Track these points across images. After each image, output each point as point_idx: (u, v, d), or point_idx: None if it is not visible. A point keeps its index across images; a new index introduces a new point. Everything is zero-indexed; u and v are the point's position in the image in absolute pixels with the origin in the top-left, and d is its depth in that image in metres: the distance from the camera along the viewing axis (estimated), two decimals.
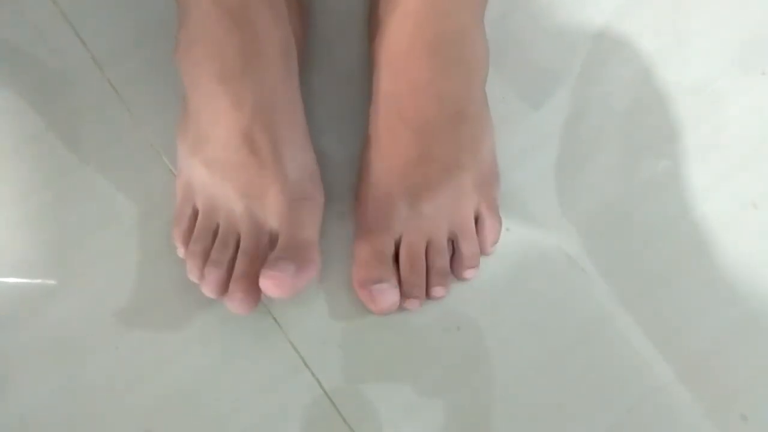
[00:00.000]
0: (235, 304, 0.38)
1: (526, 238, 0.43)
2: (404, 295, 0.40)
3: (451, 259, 0.41)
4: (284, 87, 0.40)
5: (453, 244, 0.41)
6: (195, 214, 0.40)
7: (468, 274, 0.41)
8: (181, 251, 0.40)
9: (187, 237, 0.40)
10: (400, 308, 0.40)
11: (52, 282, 0.41)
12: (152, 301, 0.41)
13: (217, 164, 0.38)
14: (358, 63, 0.46)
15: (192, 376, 0.40)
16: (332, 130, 0.45)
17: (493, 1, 0.43)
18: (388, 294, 0.39)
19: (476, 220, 0.41)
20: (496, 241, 0.42)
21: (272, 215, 0.38)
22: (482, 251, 0.42)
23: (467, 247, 0.41)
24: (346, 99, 0.45)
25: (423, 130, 0.39)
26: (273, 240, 0.39)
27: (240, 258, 0.38)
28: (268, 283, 0.36)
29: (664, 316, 0.42)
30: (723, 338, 0.42)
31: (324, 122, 0.45)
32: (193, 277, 0.39)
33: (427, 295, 0.41)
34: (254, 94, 0.38)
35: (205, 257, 0.39)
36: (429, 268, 0.40)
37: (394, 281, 0.39)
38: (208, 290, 0.38)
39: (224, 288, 0.38)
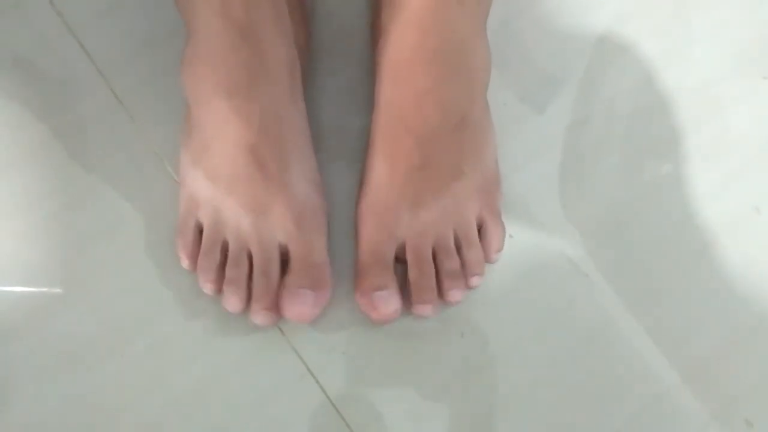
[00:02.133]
0: (259, 320, 0.39)
1: (530, 243, 0.43)
2: (414, 300, 0.40)
3: None
4: (290, 101, 0.40)
5: (456, 252, 0.41)
6: (198, 225, 0.40)
7: (473, 281, 0.41)
8: (185, 263, 0.41)
9: (191, 248, 0.40)
10: (413, 315, 0.40)
11: (57, 291, 0.41)
12: (157, 310, 0.41)
13: (221, 178, 0.39)
14: (361, 70, 0.46)
15: (197, 383, 0.40)
16: (335, 138, 0.45)
17: (495, 6, 0.43)
18: (389, 301, 0.39)
19: (479, 228, 0.41)
20: (500, 249, 0.42)
21: (280, 230, 0.39)
22: (486, 259, 0.41)
23: (471, 254, 0.40)
24: (349, 107, 0.45)
25: (425, 138, 0.40)
26: (283, 252, 0.39)
27: (256, 279, 0.39)
28: (290, 315, 0.39)
29: (668, 320, 0.42)
30: (727, 343, 0.42)
31: (327, 130, 0.45)
32: (207, 290, 0.40)
33: (443, 298, 0.40)
34: (261, 110, 0.38)
35: (217, 271, 0.40)
36: (440, 270, 0.40)
37: (395, 288, 0.39)
38: (231, 309, 0.40)
39: (246, 304, 0.40)
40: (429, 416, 0.40)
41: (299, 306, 0.39)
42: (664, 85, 0.47)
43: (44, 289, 0.41)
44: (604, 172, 0.45)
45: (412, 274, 0.40)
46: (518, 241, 0.43)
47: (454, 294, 0.40)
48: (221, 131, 0.39)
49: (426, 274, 0.40)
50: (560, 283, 0.43)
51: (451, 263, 0.40)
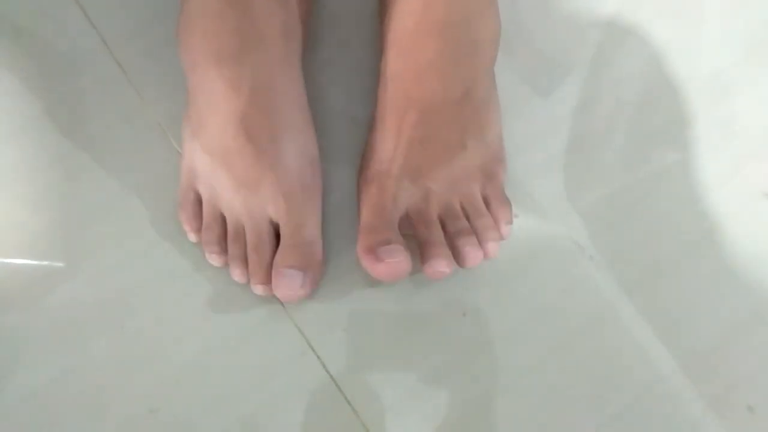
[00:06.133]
0: (258, 292, 0.40)
1: (533, 224, 0.43)
2: (428, 257, 0.38)
3: None
4: (284, 68, 0.39)
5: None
6: (198, 198, 0.40)
7: (489, 248, 0.39)
8: (190, 236, 0.41)
9: (193, 221, 0.40)
10: (434, 273, 0.38)
11: (59, 264, 0.41)
12: (158, 282, 0.41)
13: (215, 151, 0.38)
14: (367, 41, 0.45)
15: (197, 357, 0.40)
16: (338, 114, 0.44)
17: None
18: (396, 253, 0.37)
19: (485, 204, 0.41)
20: (509, 220, 0.40)
21: (270, 206, 0.39)
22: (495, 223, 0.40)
23: (481, 221, 0.39)
24: (355, 78, 0.45)
25: (428, 111, 0.39)
26: (276, 227, 0.39)
27: (249, 256, 0.39)
28: (278, 294, 0.39)
29: (670, 306, 0.42)
30: (730, 329, 0.42)
31: (330, 105, 0.44)
32: (214, 263, 0.40)
33: (458, 260, 0.39)
34: (252, 78, 0.38)
35: (220, 243, 0.40)
36: (449, 232, 0.39)
37: (401, 243, 0.37)
38: (237, 280, 0.40)
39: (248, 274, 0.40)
40: (429, 394, 0.40)
41: (286, 287, 0.38)
42: (672, 70, 0.47)
43: (45, 262, 0.41)
44: (610, 155, 0.45)
45: (420, 232, 0.39)
46: (522, 222, 0.43)
47: (470, 252, 0.38)
48: (213, 101, 0.38)
49: (434, 230, 0.38)
50: (563, 265, 0.42)
51: (459, 224, 0.39)
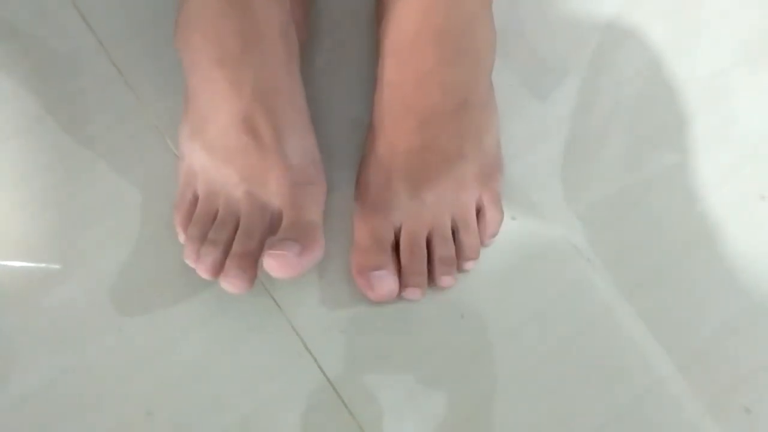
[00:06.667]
0: (229, 281, 0.37)
1: (532, 226, 0.43)
2: (403, 284, 0.40)
3: None
4: (284, 70, 0.39)
5: (453, 235, 0.41)
6: (196, 199, 0.40)
7: (467, 266, 0.41)
8: (181, 236, 0.40)
9: (188, 222, 0.40)
10: (400, 298, 0.40)
11: (56, 266, 0.41)
12: (155, 284, 0.41)
13: (217, 149, 0.38)
14: (366, 42, 0.45)
15: (194, 359, 0.40)
16: (336, 116, 0.44)
17: None
18: (386, 281, 0.39)
19: (478, 211, 0.41)
20: (494, 234, 0.41)
21: (274, 197, 0.38)
22: (480, 243, 0.41)
23: (467, 239, 0.40)
24: (352, 83, 0.45)
25: (427, 119, 0.39)
26: (275, 222, 0.38)
27: (238, 237, 0.38)
28: (273, 263, 0.36)
29: (667, 307, 0.42)
30: (727, 330, 0.42)
31: (328, 108, 0.44)
32: (189, 261, 0.39)
33: (434, 283, 0.40)
34: (254, 78, 0.38)
35: (203, 240, 0.38)
36: (433, 256, 0.40)
37: (393, 269, 0.39)
38: (203, 270, 0.38)
39: (220, 268, 0.37)
40: (427, 396, 0.40)
41: (282, 254, 0.35)
42: (671, 72, 0.47)
43: (42, 265, 0.41)
44: (609, 157, 0.45)
45: (404, 258, 0.39)
46: (520, 224, 0.43)
47: (445, 280, 0.40)
48: (214, 101, 0.38)
49: (417, 259, 0.39)
50: (561, 267, 0.42)
51: (444, 250, 0.40)
